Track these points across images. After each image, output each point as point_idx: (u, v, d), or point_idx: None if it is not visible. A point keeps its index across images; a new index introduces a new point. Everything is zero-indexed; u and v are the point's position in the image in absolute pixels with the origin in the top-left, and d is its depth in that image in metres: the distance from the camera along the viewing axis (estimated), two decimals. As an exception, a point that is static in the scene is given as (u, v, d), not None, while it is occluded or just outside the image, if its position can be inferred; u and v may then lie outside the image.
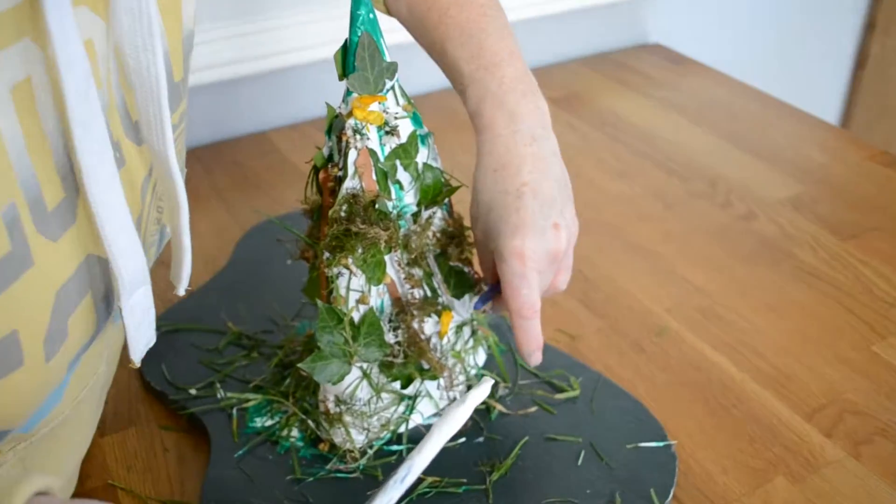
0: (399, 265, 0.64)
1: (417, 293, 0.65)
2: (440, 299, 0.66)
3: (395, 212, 0.62)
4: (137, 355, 0.46)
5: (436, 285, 0.66)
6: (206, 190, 1.01)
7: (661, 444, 0.66)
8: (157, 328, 0.49)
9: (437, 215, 0.66)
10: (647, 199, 0.99)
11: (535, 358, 0.60)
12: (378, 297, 0.64)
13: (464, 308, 0.67)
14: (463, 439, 0.68)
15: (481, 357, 0.74)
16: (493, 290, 0.64)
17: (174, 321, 0.78)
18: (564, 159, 0.59)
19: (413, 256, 0.64)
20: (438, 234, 0.67)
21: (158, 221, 0.49)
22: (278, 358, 0.76)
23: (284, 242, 0.76)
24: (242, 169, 1.06)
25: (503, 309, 0.64)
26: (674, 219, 0.96)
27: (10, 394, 0.36)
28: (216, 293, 0.83)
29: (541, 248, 0.56)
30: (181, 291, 0.51)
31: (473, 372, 0.72)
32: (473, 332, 0.72)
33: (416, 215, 0.64)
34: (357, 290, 0.62)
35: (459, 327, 0.69)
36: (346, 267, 0.61)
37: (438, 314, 0.67)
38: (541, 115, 0.58)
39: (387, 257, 0.63)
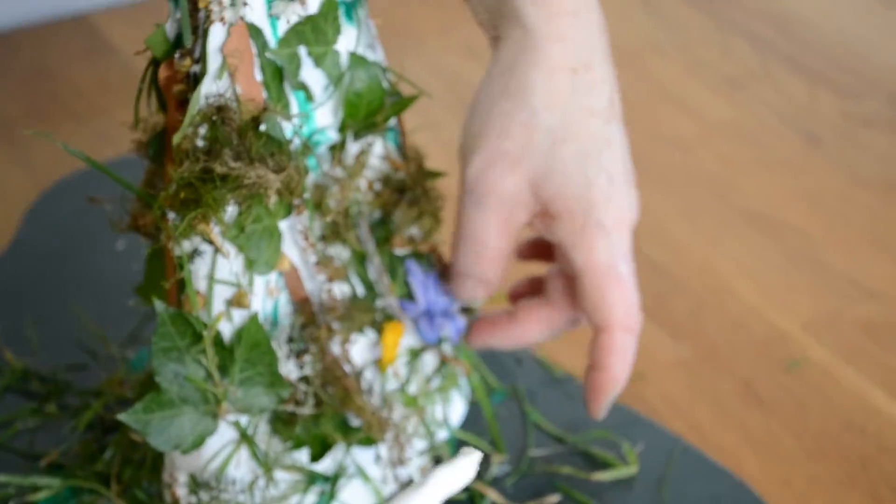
0: (306, 239, 0.61)
1: (339, 290, 0.63)
2: (380, 302, 0.65)
3: (296, 141, 0.59)
4: None
5: (373, 277, 0.65)
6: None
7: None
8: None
9: (377, 150, 0.64)
10: (773, 130, 1.02)
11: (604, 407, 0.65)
12: (268, 297, 0.60)
13: (426, 322, 0.67)
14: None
15: (457, 408, 0.73)
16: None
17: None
18: (627, 61, 0.60)
19: (332, 224, 0.62)
20: (378, 186, 0.65)
21: None
22: (93, 412, 0.72)
23: (102, 203, 0.67)
24: (44, 78, 1.01)
25: (497, 336, 0.68)
26: (822, 166, 0.98)
27: None
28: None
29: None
30: None
31: (443, 434, 0.71)
32: (442, 365, 0.70)
33: (336, 148, 0.62)
34: (229, 283, 0.57)
35: (415, 353, 0.68)
36: (207, 238, 0.57)
37: (377, 329, 0.65)
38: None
39: (283, 223, 0.59)
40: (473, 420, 0.75)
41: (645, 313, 0.77)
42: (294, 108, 0.60)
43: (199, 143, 0.56)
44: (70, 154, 0.59)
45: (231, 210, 0.56)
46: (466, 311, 0.68)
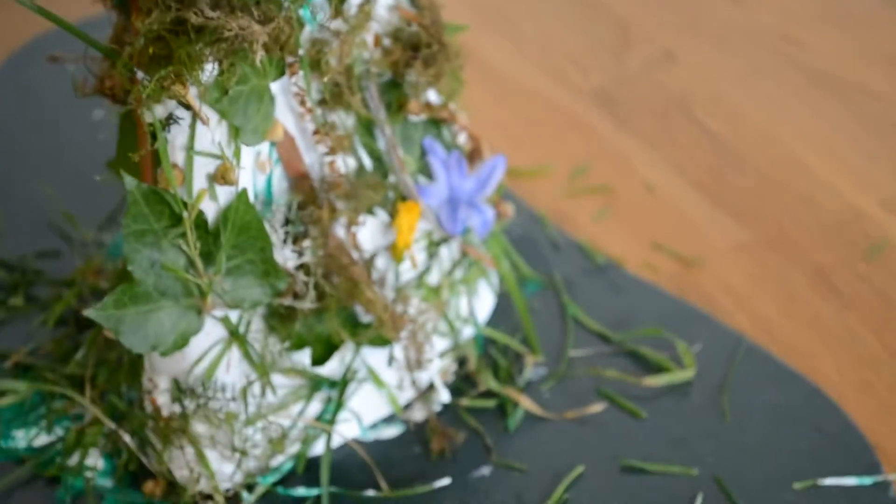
0: (303, 103, 0.59)
1: (344, 164, 0.61)
2: (393, 178, 0.63)
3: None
4: None
5: (383, 149, 0.63)
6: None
7: (869, 479, 0.63)
8: None
9: None
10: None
11: None
12: (259, 172, 0.59)
13: (448, 212, 0.66)
14: (448, 480, 0.64)
15: (484, 301, 0.72)
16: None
17: None
18: None
19: (333, 86, 0.60)
20: (387, 42, 0.63)
21: None
22: (64, 304, 0.73)
23: (65, 61, 0.68)
24: None
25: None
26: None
27: None
28: None
29: None
30: None
31: (468, 332, 0.70)
32: (464, 255, 0.69)
33: None
34: (211, 156, 0.56)
35: (435, 244, 0.67)
36: (183, 101, 0.55)
37: (389, 210, 0.64)
38: None
39: (275, 85, 0.58)
40: (503, 314, 0.73)
41: (701, 191, 0.79)
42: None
43: (169, -15, 0.53)
44: (36, 13, 0.58)
45: (211, 69, 0.54)
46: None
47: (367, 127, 0.63)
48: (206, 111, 0.55)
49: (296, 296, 0.60)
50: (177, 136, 0.56)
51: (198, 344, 0.59)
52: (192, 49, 0.53)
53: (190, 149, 0.55)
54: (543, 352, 0.71)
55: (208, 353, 0.60)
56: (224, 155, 0.56)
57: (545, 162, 0.91)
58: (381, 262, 0.64)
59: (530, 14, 1.11)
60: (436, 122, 0.66)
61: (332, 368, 0.65)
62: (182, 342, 0.57)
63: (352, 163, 0.63)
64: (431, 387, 0.68)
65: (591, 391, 0.69)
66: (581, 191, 0.87)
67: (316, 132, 0.60)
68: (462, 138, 0.67)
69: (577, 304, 0.72)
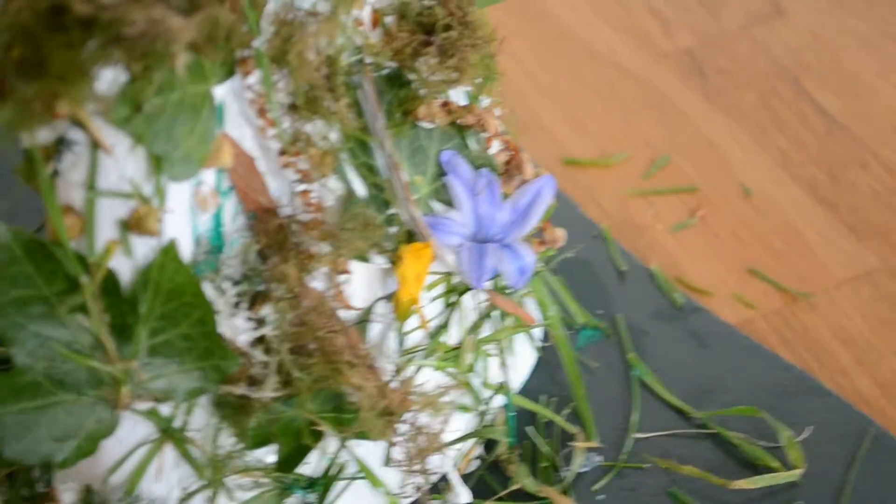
0: (262, 114, 0.51)
1: (324, 192, 0.54)
2: (396, 211, 0.57)
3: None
4: None
5: (382, 170, 0.56)
6: None
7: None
8: None
9: None
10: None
11: None
12: (200, 211, 0.52)
13: (473, 254, 0.58)
14: None
15: (523, 359, 0.65)
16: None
17: None
18: None
19: (308, 87, 0.53)
20: (390, 21, 0.56)
21: None
22: None
23: None
24: None
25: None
26: None
27: None
28: None
29: None
30: None
31: (497, 401, 0.62)
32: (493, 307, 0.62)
33: None
34: (121, 196, 0.48)
35: (455, 291, 0.60)
36: (78, 122, 0.46)
37: (389, 254, 0.56)
38: None
39: (222, 89, 0.50)
40: (547, 377, 0.65)
41: (813, 195, 0.79)
42: None
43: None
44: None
45: (112, 77, 0.44)
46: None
47: (360, 140, 0.54)
48: (112, 133, 0.45)
49: (252, 381, 0.52)
50: (72, 169, 0.46)
51: (114, 446, 0.51)
52: (76, 55, 0.44)
53: (90, 187, 0.46)
54: (599, 431, 0.62)
55: (130, 457, 0.51)
56: (139, 194, 0.46)
57: (613, 149, 0.84)
58: (377, 322, 0.56)
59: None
60: (458, 128, 0.56)
61: (311, 464, 0.57)
62: (89, 447, 0.50)
63: (337, 189, 0.53)
64: (446, 482, 0.60)
65: (660, 493, 0.60)
66: (658, 190, 0.78)
67: (283, 152, 0.51)
68: (494, 149, 0.57)
69: (647, 363, 0.63)
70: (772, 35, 0.99)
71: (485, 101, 0.57)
